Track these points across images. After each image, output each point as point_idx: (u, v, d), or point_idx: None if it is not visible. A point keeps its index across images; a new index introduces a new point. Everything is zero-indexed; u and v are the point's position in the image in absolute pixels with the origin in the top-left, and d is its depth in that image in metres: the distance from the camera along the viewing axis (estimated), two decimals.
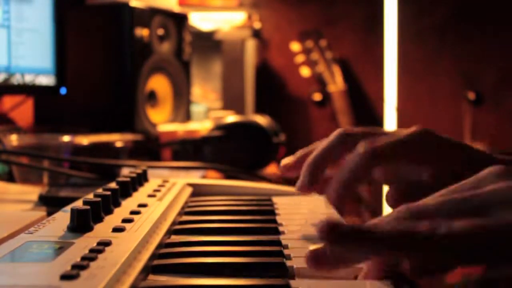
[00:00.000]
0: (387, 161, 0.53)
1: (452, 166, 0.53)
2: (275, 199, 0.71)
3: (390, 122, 2.61)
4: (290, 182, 0.71)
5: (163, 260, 0.46)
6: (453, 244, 0.36)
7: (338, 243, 0.38)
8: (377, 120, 2.62)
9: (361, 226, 0.38)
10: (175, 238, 0.53)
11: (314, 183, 0.57)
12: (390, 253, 0.38)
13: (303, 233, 0.55)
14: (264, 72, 2.56)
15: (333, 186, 0.53)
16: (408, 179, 0.54)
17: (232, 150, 1.21)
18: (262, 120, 1.26)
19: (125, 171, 0.85)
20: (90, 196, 0.55)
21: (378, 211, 2.10)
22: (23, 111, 1.50)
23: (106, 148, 1.18)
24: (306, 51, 2.45)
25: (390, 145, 0.52)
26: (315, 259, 0.40)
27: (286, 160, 0.61)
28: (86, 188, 0.75)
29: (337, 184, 0.53)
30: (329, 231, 0.37)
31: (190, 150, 1.26)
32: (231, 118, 1.34)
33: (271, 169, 1.26)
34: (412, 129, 0.54)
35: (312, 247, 0.40)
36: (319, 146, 0.58)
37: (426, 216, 0.38)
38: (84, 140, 1.16)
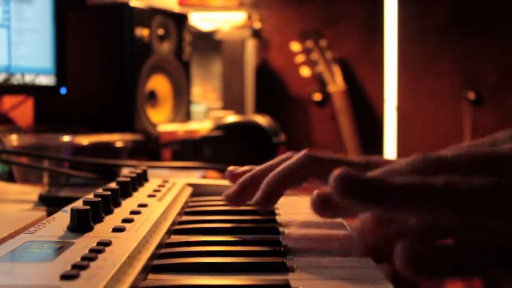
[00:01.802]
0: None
1: None
2: None
3: (390, 122, 2.61)
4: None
5: (163, 260, 0.46)
6: (473, 202, 0.34)
7: (348, 195, 0.35)
8: (377, 120, 2.62)
9: (373, 178, 0.35)
10: (175, 238, 0.53)
11: (271, 202, 0.56)
12: (402, 207, 0.35)
13: (303, 233, 0.55)
14: (264, 72, 2.57)
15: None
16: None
17: (232, 150, 1.21)
18: (262, 120, 1.26)
19: (125, 171, 0.85)
20: (90, 196, 0.55)
21: None
22: (23, 111, 1.50)
23: (106, 148, 1.18)
24: (306, 51, 2.45)
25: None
26: (321, 203, 0.38)
27: (233, 168, 0.61)
28: (86, 188, 0.75)
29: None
30: (341, 181, 0.35)
31: (190, 150, 1.26)
32: (231, 118, 1.34)
33: None
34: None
35: (319, 190, 0.38)
36: (283, 165, 0.55)
37: (442, 169, 0.36)
38: (84, 140, 1.16)
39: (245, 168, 0.62)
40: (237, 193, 0.57)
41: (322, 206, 0.38)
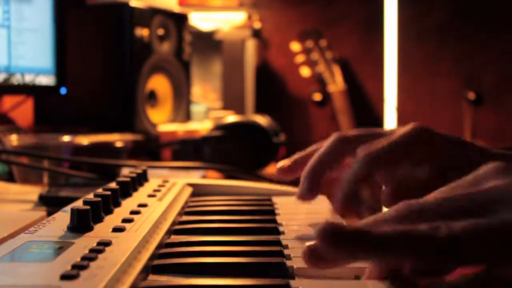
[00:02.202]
0: (386, 164, 0.53)
1: (451, 163, 0.53)
2: (275, 199, 0.71)
3: (390, 122, 2.61)
4: (291, 182, 0.71)
5: (163, 260, 0.46)
6: (454, 246, 0.35)
7: (336, 247, 0.36)
8: (377, 120, 2.62)
9: (359, 229, 0.37)
10: (175, 238, 0.53)
11: (314, 190, 0.58)
12: (389, 256, 0.37)
13: (303, 233, 0.55)
14: (264, 72, 2.56)
15: (336, 197, 0.54)
16: (407, 179, 0.54)
17: (232, 150, 1.21)
18: (262, 120, 1.26)
19: (125, 171, 0.85)
20: (90, 196, 0.55)
21: (378, 210, 2.10)
22: (23, 111, 1.50)
23: (106, 148, 1.18)
24: (306, 51, 2.45)
25: (387, 148, 0.53)
26: (311, 256, 0.39)
27: (282, 163, 0.62)
28: (86, 188, 0.75)
29: (340, 195, 0.53)
30: (327, 235, 0.36)
31: (190, 150, 1.26)
32: (231, 118, 1.34)
33: (271, 169, 1.26)
34: (409, 127, 0.53)
35: (308, 243, 0.40)
36: (317, 152, 0.58)
37: (426, 215, 0.37)
38: (84, 140, 1.16)
39: (294, 158, 0.62)
40: (308, 189, 0.59)
41: (311, 258, 0.39)
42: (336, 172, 0.59)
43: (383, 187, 0.56)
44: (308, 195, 0.58)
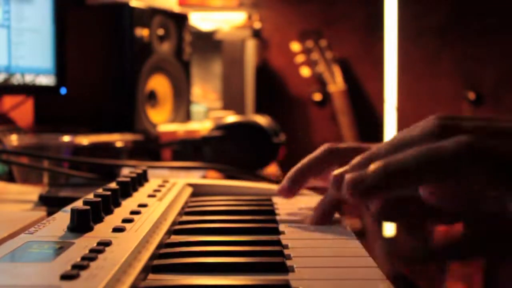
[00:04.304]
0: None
1: None
2: (275, 199, 0.71)
3: (390, 122, 2.61)
4: None
5: (163, 260, 0.46)
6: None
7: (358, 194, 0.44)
8: (377, 120, 2.62)
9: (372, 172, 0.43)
10: (175, 238, 0.53)
11: (292, 190, 0.63)
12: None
13: (303, 233, 0.55)
14: (264, 72, 2.56)
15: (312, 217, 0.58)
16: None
17: (232, 150, 1.21)
18: (262, 120, 1.26)
19: (125, 171, 0.85)
20: (90, 196, 0.55)
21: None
22: (23, 111, 1.50)
23: (106, 148, 1.18)
24: (306, 51, 2.45)
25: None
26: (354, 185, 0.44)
27: (281, 186, 0.65)
28: (86, 188, 0.75)
29: (315, 216, 0.58)
30: (355, 191, 0.43)
31: (190, 150, 1.26)
32: (231, 118, 1.34)
33: (271, 169, 1.26)
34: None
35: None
36: (305, 158, 0.63)
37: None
38: (84, 140, 1.16)
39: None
40: (289, 186, 0.64)
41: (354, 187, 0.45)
42: (320, 182, 0.64)
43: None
44: (286, 193, 0.63)
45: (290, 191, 0.63)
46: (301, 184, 0.63)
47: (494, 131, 0.42)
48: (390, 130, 2.61)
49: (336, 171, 0.52)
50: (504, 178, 0.40)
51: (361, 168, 0.45)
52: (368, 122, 2.57)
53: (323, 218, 0.58)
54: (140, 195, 0.63)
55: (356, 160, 0.47)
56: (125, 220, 0.51)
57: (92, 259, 0.40)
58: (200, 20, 2.41)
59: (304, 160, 0.62)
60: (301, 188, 0.63)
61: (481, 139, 0.41)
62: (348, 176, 0.45)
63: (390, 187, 0.43)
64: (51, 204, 0.75)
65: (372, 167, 0.43)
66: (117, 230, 0.48)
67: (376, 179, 0.43)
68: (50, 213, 0.57)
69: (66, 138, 1.04)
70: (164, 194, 0.65)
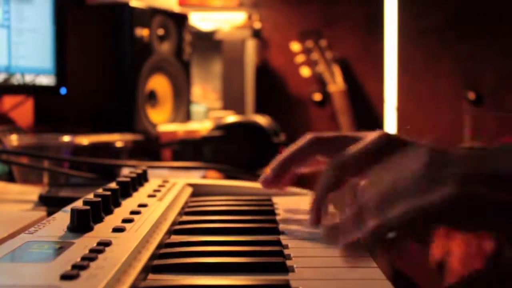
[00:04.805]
0: (354, 171, 0.57)
1: None
2: (275, 199, 0.71)
3: (390, 122, 2.61)
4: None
5: (163, 260, 0.46)
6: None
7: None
8: (377, 120, 2.62)
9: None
10: (175, 238, 0.53)
11: (276, 180, 0.63)
12: None
13: (303, 233, 0.55)
14: (264, 72, 2.56)
15: (310, 206, 0.59)
16: None
17: (232, 150, 1.21)
18: (262, 120, 1.26)
19: (125, 171, 0.85)
20: (90, 196, 0.55)
21: None
22: (23, 111, 1.50)
23: (106, 148, 1.18)
24: (306, 51, 2.45)
25: (354, 156, 0.58)
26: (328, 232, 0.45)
27: (264, 176, 0.65)
28: (86, 188, 0.75)
29: (313, 203, 0.59)
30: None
31: (190, 150, 1.26)
32: (231, 118, 1.34)
33: None
34: (376, 134, 0.59)
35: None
36: (289, 148, 0.64)
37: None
38: (84, 140, 1.16)
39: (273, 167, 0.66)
40: (272, 177, 0.64)
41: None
42: (305, 169, 0.65)
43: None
44: (270, 183, 0.64)
45: (273, 182, 0.64)
46: (284, 174, 0.64)
47: (484, 175, 0.42)
48: (390, 130, 2.61)
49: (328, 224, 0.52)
50: (494, 225, 0.41)
51: (354, 223, 0.45)
52: (368, 122, 2.57)
53: (320, 216, 0.59)
54: (140, 195, 0.63)
55: (348, 211, 0.46)
56: (125, 220, 0.51)
57: (92, 259, 0.39)
58: (200, 20, 2.41)
59: (288, 151, 0.63)
60: (285, 178, 0.64)
61: (467, 190, 0.41)
62: (343, 239, 0.45)
63: (384, 246, 0.44)
64: (51, 204, 0.75)
65: (369, 228, 0.43)
66: (117, 230, 0.48)
67: (374, 241, 0.43)
68: (50, 213, 0.57)
69: (66, 138, 1.04)
70: (164, 194, 0.65)
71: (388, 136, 0.58)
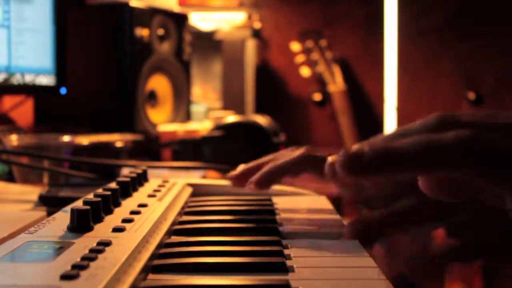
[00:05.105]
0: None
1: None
2: (275, 199, 0.71)
3: (390, 122, 2.61)
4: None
5: (163, 260, 0.46)
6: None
7: (361, 175, 0.42)
8: (377, 120, 2.62)
9: (374, 149, 0.42)
10: (175, 238, 0.53)
11: (264, 187, 0.63)
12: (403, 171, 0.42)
13: (303, 233, 0.55)
14: (264, 72, 2.56)
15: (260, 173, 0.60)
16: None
17: (232, 150, 1.21)
18: (262, 120, 1.26)
19: (125, 171, 0.85)
20: (90, 196, 0.55)
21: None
22: (23, 111, 1.50)
23: (106, 148, 1.18)
24: (306, 51, 2.45)
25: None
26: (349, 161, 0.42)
27: (234, 172, 0.66)
28: (86, 188, 0.75)
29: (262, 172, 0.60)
30: (350, 166, 0.41)
31: (190, 150, 1.26)
32: (231, 118, 1.34)
33: None
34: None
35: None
36: (283, 158, 0.62)
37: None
38: (84, 140, 1.16)
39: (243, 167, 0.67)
40: (240, 174, 0.65)
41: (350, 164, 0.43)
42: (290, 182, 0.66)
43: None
44: (255, 188, 0.63)
45: (260, 188, 0.63)
46: (271, 184, 0.64)
47: (495, 127, 0.42)
48: (390, 130, 2.60)
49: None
50: (501, 174, 0.40)
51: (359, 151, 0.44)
52: (368, 122, 2.57)
53: (269, 182, 0.60)
54: (140, 195, 0.63)
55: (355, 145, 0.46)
56: (125, 220, 0.51)
57: (92, 259, 0.39)
58: (200, 20, 2.41)
59: (282, 162, 0.62)
60: (269, 186, 0.64)
61: (481, 134, 0.40)
62: (346, 151, 0.43)
63: (386, 169, 0.42)
64: (51, 204, 0.75)
65: (372, 146, 0.42)
66: (117, 230, 0.48)
67: (374, 158, 0.41)
68: (50, 213, 0.57)
69: (66, 138, 1.04)
70: (164, 194, 0.65)
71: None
